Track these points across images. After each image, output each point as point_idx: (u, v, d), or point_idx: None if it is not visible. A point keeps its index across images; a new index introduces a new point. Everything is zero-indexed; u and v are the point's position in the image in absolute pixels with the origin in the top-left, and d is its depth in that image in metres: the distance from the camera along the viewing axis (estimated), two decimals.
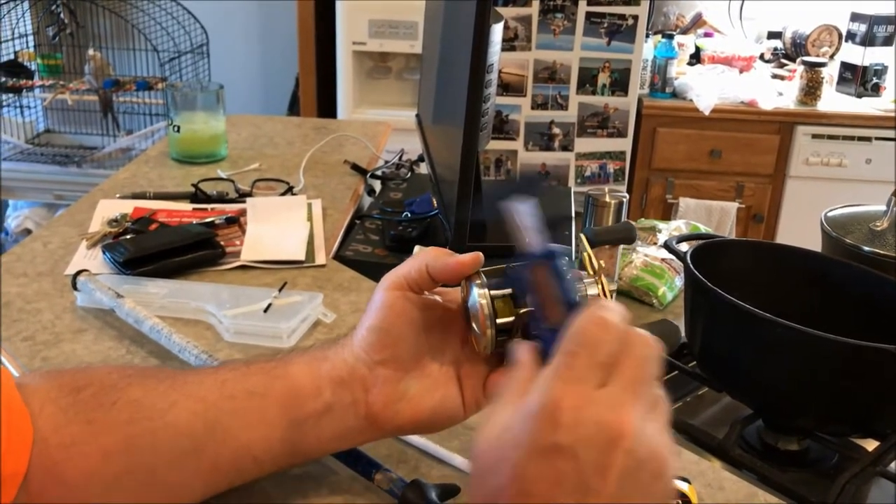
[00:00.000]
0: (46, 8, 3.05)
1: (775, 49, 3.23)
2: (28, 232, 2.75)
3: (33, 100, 3.02)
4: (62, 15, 3.03)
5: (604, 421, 0.40)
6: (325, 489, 0.67)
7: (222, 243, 1.12)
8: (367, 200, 1.50)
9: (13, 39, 2.95)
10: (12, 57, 2.96)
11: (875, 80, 2.88)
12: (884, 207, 1.13)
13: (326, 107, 2.97)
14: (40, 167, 2.80)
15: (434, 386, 0.61)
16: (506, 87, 2.65)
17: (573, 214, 1.40)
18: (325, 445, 0.61)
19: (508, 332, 0.58)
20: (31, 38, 3.07)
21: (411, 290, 0.60)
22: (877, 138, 2.75)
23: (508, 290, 0.58)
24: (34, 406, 0.54)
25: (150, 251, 1.05)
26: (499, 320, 0.57)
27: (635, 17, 2.61)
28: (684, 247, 0.99)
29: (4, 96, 2.89)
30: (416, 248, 1.16)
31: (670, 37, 2.87)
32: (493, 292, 0.58)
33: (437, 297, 0.62)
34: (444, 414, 0.61)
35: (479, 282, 0.59)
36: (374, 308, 0.60)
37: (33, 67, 3.02)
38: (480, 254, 0.60)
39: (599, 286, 0.58)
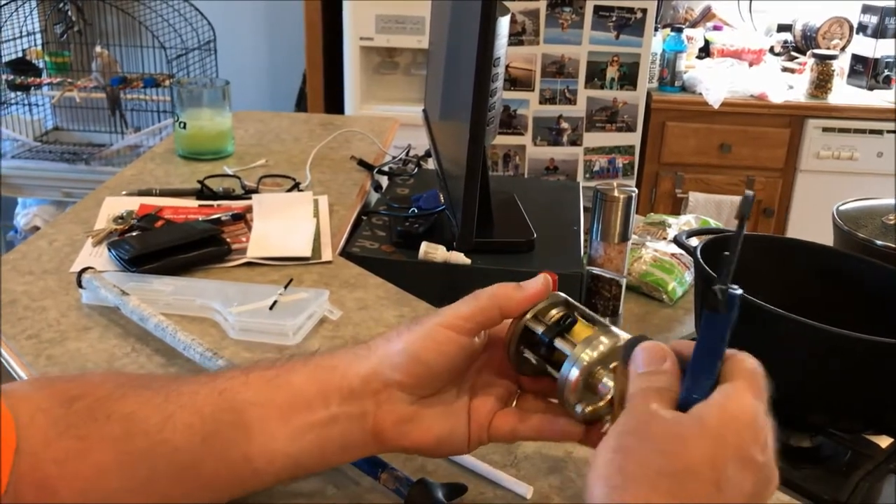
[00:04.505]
0: (54, 6, 3.05)
1: (785, 42, 3.21)
2: (37, 229, 2.75)
3: (41, 97, 3.02)
4: (70, 12, 3.03)
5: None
6: (329, 488, 0.66)
7: (228, 240, 1.11)
8: (374, 196, 1.50)
9: (21, 37, 2.95)
10: (20, 55, 2.96)
11: (886, 72, 2.86)
12: None
13: (333, 102, 2.97)
14: (49, 165, 2.80)
15: (446, 415, 0.58)
16: (514, 82, 2.64)
17: (581, 210, 1.39)
18: (329, 458, 0.59)
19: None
20: (38, 35, 3.08)
21: (470, 333, 0.57)
22: (888, 131, 2.73)
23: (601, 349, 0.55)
24: (24, 416, 0.52)
25: (156, 248, 1.05)
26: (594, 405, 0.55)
27: (644, 11, 2.59)
28: (694, 242, 0.98)
29: (13, 94, 2.89)
30: (423, 245, 1.15)
31: (679, 30, 2.85)
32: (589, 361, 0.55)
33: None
34: (449, 444, 0.59)
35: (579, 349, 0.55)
36: (420, 336, 0.57)
37: (41, 65, 3.03)
38: (548, 278, 0.59)
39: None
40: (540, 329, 0.58)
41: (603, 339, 0.55)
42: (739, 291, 0.46)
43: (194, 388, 0.57)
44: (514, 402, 0.61)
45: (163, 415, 0.54)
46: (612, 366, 0.55)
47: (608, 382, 0.54)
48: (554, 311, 0.59)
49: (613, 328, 0.57)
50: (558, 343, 0.57)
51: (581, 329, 0.57)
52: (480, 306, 0.57)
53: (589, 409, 0.55)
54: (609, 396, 0.54)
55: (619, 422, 0.47)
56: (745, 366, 0.48)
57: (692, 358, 0.48)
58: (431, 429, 0.58)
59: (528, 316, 0.58)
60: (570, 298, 0.60)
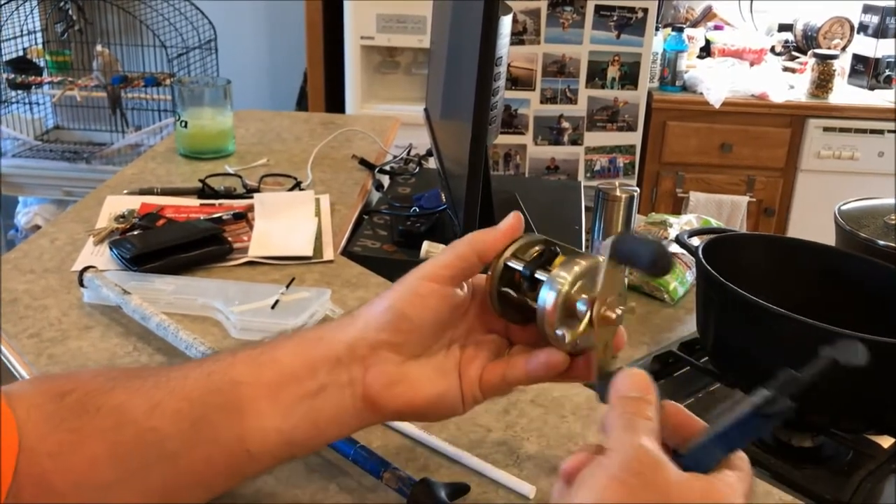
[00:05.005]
0: (55, 4, 3.06)
1: (786, 41, 3.21)
2: (38, 228, 2.75)
3: (42, 96, 3.02)
4: (70, 11, 3.04)
5: None
6: (332, 487, 0.66)
7: (230, 239, 1.12)
8: (376, 196, 1.50)
9: (22, 36, 2.95)
10: (21, 54, 2.96)
11: (888, 72, 2.86)
12: None
13: (334, 102, 2.97)
14: (49, 164, 2.80)
15: (437, 374, 0.58)
16: (514, 82, 2.64)
17: (583, 209, 1.39)
18: (323, 432, 0.58)
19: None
20: (39, 34, 3.07)
21: (451, 282, 0.57)
22: (889, 131, 2.72)
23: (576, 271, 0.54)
24: (20, 414, 0.52)
25: (158, 247, 1.05)
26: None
27: (645, 10, 2.59)
28: (696, 241, 0.98)
29: (14, 93, 2.89)
30: (425, 244, 1.15)
31: (680, 30, 2.85)
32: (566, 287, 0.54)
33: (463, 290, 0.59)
34: (443, 404, 0.58)
35: (560, 278, 0.54)
36: (403, 291, 0.57)
37: (42, 64, 3.02)
38: (519, 214, 0.59)
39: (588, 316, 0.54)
40: (520, 266, 0.57)
41: (580, 260, 0.55)
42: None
43: (183, 374, 0.56)
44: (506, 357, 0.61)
45: (150, 403, 0.54)
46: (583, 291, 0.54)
47: (583, 302, 0.53)
48: (534, 249, 0.58)
49: (595, 255, 0.56)
50: (539, 274, 0.56)
51: (561, 260, 0.57)
52: (458, 253, 0.57)
53: (570, 333, 0.54)
54: (588, 317, 0.53)
55: (617, 452, 0.46)
56: (745, 465, 0.49)
57: (717, 433, 0.48)
58: (423, 389, 0.57)
59: (507, 254, 0.58)
60: (549, 238, 0.59)
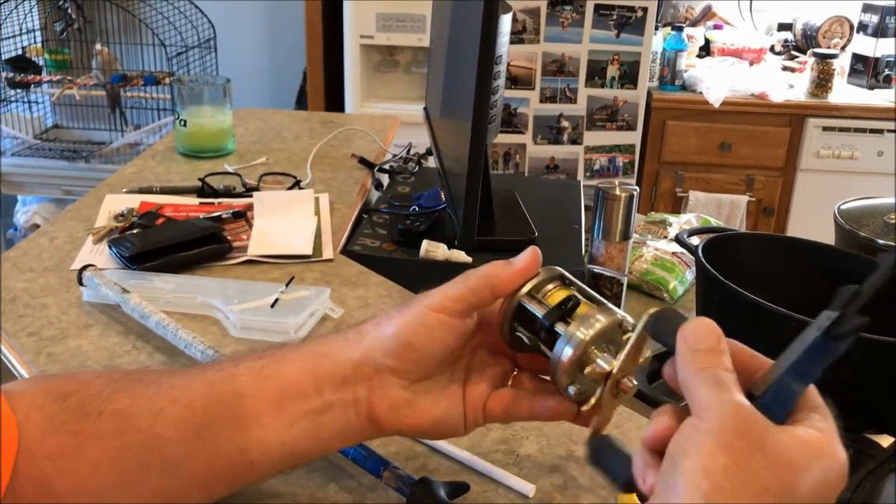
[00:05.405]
0: (54, 3, 3.05)
1: (786, 41, 3.21)
2: (37, 227, 2.75)
3: (41, 95, 3.01)
4: (70, 10, 3.03)
5: None
6: (332, 486, 0.66)
7: (229, 238, 1.11)
8: (375, 194, 1.50)
9: (21, 35, 2.95)
10: (20, 52, 2.96)
11: (887, 71, 2.86)
12: None
13: (334, 100, 2.96)
14: (48, 162, 2.79)
15: (441, 398, 0.58)
16: (514, 81, 2.64)
17: (583, 208, 1.39)
18: (326, 445, 0.58)
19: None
20: (38, 33, 3.07)
21: (461, 315, 0.56)
22: (888, 130, 2.72)
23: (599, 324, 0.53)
24: (20, 413, 0.52)
25: (157, 246, 1.05)
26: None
27: (644, 10, 2.59)
28: (695, 240, 0.98)
29: (13, 92, 2.88)
30: (424, 243, 1.15)
31: (680, 29, 2.85)
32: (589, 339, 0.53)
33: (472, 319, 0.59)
34: (446, 426, 0.59)
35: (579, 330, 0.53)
36: (410, 319, 0.56)
37: (41, 63, 3.02)
38: (537, 250, 0.57)
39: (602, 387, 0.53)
40: (539, 311, 0.56)
41: (599, 317, 0.53)
42: (863, 321, 0.43)
43: (186, 382, 0.56)
44: (510, 381, 0.60)
45: (153, 409, 0.54)
46: (605, 346, 0.53)
47: (602, 364, 0.52)
48: (550, 287, 0.57)
49: (612, 306, 0.55)
50: (558, 328, 0.55)
51: (581, 310, 0.55)
52: (471, 287, 0.56)
53: (581, 391, 0.53)
54: (603, 375, 0.52)
55: (712, 411, 0.44)
56: (821, 400, 0.47)
57: (789, 366, 0.45)
58: (426, 413, 0.57)
59: (522, 292, 0.56)
60: (565, 272, 0.58)
